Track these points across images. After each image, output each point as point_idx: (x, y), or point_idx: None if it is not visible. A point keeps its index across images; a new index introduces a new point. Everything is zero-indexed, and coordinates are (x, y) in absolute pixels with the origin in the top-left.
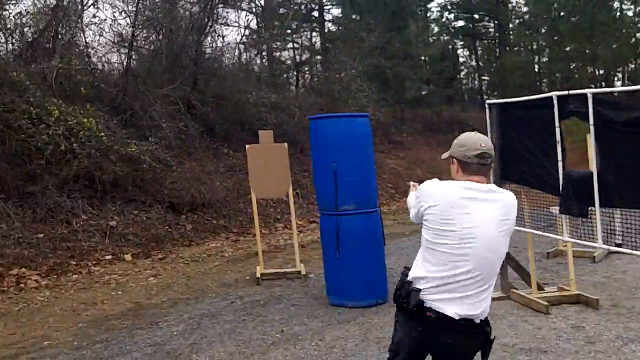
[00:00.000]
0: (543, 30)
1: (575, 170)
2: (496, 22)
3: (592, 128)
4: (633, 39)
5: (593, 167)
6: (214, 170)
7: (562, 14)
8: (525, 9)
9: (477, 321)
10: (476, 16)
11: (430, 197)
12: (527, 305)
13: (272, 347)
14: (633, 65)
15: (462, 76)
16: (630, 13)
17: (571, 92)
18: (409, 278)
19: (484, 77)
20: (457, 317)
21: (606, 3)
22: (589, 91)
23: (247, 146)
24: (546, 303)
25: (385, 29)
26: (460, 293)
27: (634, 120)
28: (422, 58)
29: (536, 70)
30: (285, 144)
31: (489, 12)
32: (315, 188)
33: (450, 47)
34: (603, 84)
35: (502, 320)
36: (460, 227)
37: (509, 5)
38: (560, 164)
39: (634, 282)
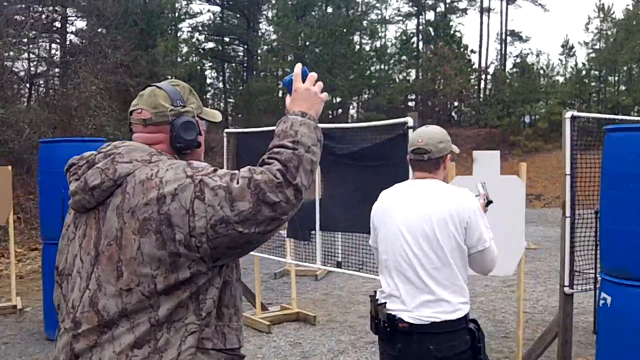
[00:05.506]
0: (289, 58)
1: None
2: (245, 46)
3: None
4: (368, 72)
5: (316, 195)
6: None
7: (307, 44)
8: (274, 37)
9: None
10: (227, 39)
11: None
12: (251, 325)
13: None
14: (366, 95)
15: (208, 97)
16: (367, 48)
17: None
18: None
19: (229, 100)
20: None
21: (346, 37)
22: (319, 125)
23: None
24: (268, 323)
25: (132, 46)
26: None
27: (351, 154)
28: (169, 78)
29: (279, 95)
30: (9, 167)
31: (239, 36)
32: (41, 214)
33: (198, 67)
34: (339, 111)
35: None
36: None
37: (259, 31)
38: None
39: (348, 297)
